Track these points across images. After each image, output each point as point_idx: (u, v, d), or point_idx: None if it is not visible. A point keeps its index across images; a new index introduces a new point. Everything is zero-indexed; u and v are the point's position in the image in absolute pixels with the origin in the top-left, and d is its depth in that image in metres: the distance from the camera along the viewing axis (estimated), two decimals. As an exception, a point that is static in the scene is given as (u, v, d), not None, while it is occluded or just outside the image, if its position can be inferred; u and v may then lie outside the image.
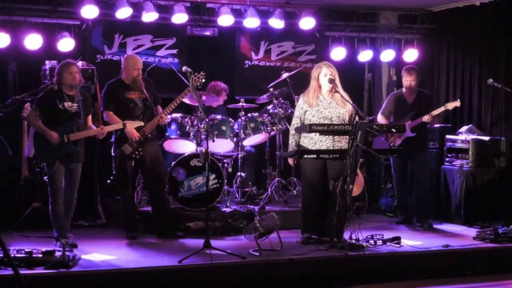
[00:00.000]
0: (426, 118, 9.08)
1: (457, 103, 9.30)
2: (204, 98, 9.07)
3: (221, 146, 9.23)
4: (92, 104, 7.95)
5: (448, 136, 9.96)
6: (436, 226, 9.25)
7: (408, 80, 9.32)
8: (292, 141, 8.10)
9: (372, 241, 8.00)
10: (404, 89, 9.45)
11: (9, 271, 6.12)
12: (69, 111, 7.60)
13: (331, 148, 7.93)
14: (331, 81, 7.94)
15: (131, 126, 7.99)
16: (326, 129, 7.73)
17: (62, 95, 7.62)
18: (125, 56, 8.84)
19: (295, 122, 8.10)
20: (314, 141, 7.99)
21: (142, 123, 8.11)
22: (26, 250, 6.69)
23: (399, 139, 9.18)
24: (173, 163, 8.98)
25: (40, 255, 6.66)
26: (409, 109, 9.23)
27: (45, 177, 8.08)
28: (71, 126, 7.58)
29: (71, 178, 7.70)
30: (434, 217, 9.59)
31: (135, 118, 8.19)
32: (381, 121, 9.40)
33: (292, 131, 8.13)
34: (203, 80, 8.64)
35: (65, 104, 7.59)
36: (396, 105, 9.41)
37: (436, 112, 9.18)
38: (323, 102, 8.02)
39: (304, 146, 8.06)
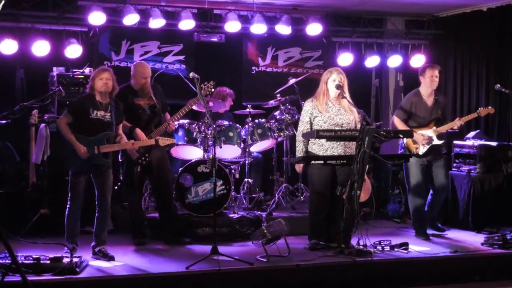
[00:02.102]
0: (457, 125, 8.88)
1: (491, 110, 9.10)
2: (211, 104, 9.08)
3: (228, 152, 9.23)
4: (123, 112, 7.86)
5: (455, 142, 9.92)
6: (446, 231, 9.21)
7: (433, 75, 8.83)
8: (300, 147, 8.08)
9: (379, 247, 7.99)
10: (423, 90, 8.95)
11: (17, 278, 6.11)
12: (102, 121, 7.51)
13: (343, 154, 7.92)
14: (338, 87, 7.94)
15: (164, 143, 7.95)
16: (334, 135, 7.72)
17: (95, 103, 7.52)
18: (135, 63, 8.86)
19: (305, 127, 8.06)
20: (325, 148, 7.98)
21: (174, 141, 8.13)
22: (34, 257, 6.70)
23: (424, 147, 8.82)
24: (180, 169, 8.99)
25: (48, 262, 6.68)
26: (429, 113, 8.92)
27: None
28: (103, 137, 7.48)
29: (103, 186, 7.59)
30: (442, 222, 9.54)
31: (142, 124, 8.25)
32: (398, 125, 8.95)
33: (299, 137, 8.12)
34: (213, 90, 8.67)
35: (98, 113, 7.49)
36: (416, 108, 8.93)
37: (468, 118, 9.06)
38: (333, 109, 8.02)
39: (312, 152, 8.04)
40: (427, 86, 8.93)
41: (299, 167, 8.26)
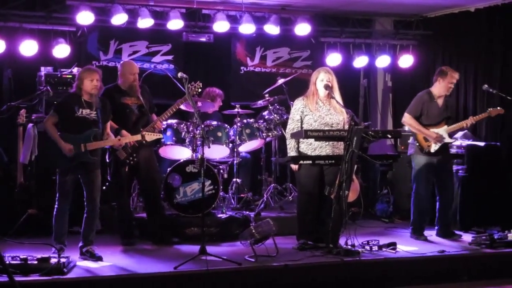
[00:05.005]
0: (468, 123, 8.83)
1: (501, 111, 9.00)
2: (199, 104, 9.06)
3: (217, 152, 9.22)
4: (110, 111, 7.81)
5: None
6: (431, 231, 9.18)
7: (452, 82, 8.78)
8: (292, 144, 8.04)
9: (367, 247, 7.98)
10: (436, 91, 8.82)
11: (4, 278, 6.09)
12: (88, 119, 7.47)
13: (331, 154, 7.92)
14: (327, 87, 7.94)
15: (150, 138, 7.91)
16: (322, 135, 7.72)
17: (80, 102, 7.47)
18: (121, 62, 8.86)
19: (295, 125, 8.04)
20: (313, 147, 7.98)
21: (160, 136, 8.11)
22: (21, 257, 6.66)
23: (436, 144, 8.74)
24: (168, 169, 8.97)
25: (35, 262, 6.64)
26: (440, 113, 8.83)
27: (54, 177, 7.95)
28: (89, 135, 7.44)
29: (91, 187, 7.56)
30: (430, 222, 9.55)
31: (130, 124, 8.21)
32: (410, 122, 8.81)
33: (289, 135, 8.10)
34: (200, 90, 8.66)
35: (83, 111, 7.45)
36: (427, 107, 8.82)
37: (479, 117, 8.98)
38: (323, 108, 8.02)
39: (301, 152, 8.04)
40: (442, 89, 8.82)
41: (295, 166, 8.14)
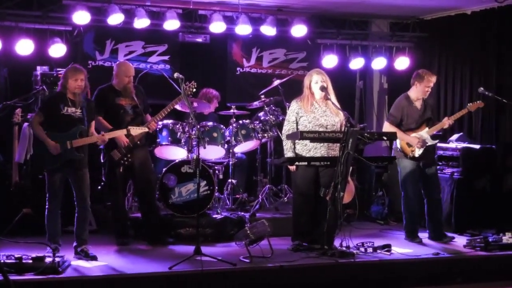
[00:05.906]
0: (448, 123, 8.83)
1: (480, 104, 9.06)
2: (195, 105, 9.07)
3: (212, 152, 9.22)
4: (95, 111, 7.82)
5: (438, 144, 9.89)
6: (425, 233, 9.19)
7: (429, 86, 8.77)
8: (288, 145, 8.05)
9: (362, 249, 8.00)
10: (413, 94, 8.80)
11: (-2, 277, 6.10)
12: (73, 117, 7.49)
13: (326, 156, 7.92)
14: (323, 88, 7.94)
15: (135, 132, 7.91)
16: (317, 137, 7.72)
17: (65, 100, 7.49)
18: (118, 62, 8.83)
19: (291, 127, 8.05)
20: (308, 148, 7.99)
21: (146, 129, 8.09)
22: (16, 256, 6.67)
23: (419, 149, 8.69)
24: (164, 169, 8.97)
25: (30, 261, 6.64)
26: (420, 116, 8.80)
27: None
28: (75, 131, 7.45)
29: (80, 185, 7.55)
30: (424, 225, 9.57)
31: (124, 124, 8.16)
32: (390, 130, 8.61)
33: (284, 137, 8.11)
34: (194, 90, 8.66)
35: (69, 109, 7.47)
36: (407, 112, 8.79)
37: (458, 115, 9.02)
38: (319, 110, 8.02)
39: (297, 153, 8.04)
40: (420, 93, 8.79)
41: (292, 167, 8.14)
